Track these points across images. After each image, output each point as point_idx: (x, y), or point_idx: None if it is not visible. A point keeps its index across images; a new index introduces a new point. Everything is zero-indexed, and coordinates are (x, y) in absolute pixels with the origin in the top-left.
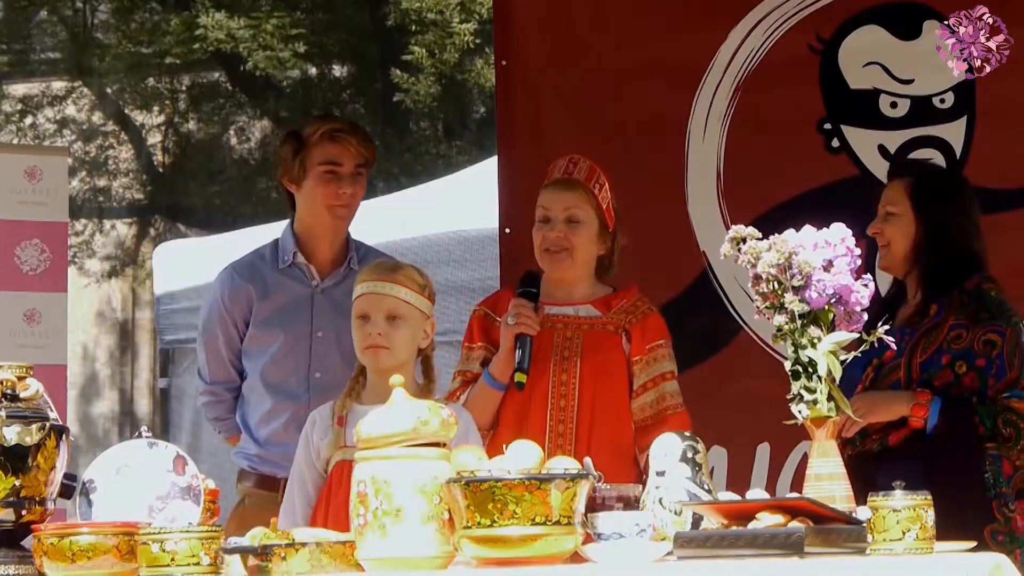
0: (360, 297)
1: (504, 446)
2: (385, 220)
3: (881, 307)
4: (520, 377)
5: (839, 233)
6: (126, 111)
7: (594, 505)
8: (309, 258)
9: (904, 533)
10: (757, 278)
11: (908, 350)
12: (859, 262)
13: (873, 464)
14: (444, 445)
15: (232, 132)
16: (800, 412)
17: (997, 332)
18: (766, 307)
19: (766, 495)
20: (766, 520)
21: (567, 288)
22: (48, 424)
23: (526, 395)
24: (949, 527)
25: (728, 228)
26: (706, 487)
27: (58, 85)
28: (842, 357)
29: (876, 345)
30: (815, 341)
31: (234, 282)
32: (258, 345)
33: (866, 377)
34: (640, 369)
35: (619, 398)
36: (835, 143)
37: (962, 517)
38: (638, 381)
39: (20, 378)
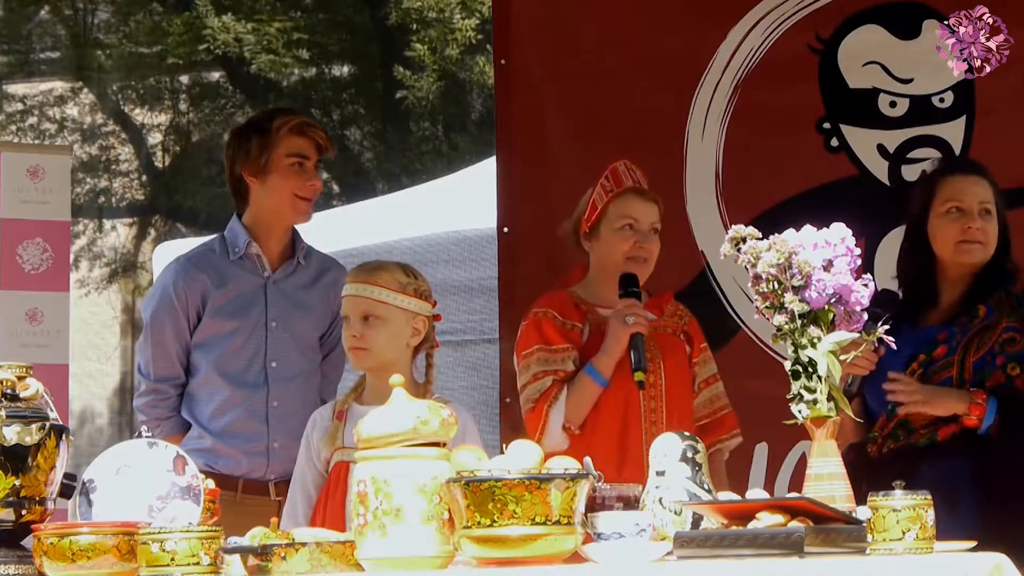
0: (342, 299)
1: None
2: (385, 220)
3: (902, 307)
4: (640, 376)
5: (839, 233)
6: (127, 111)
7: (594, 505)
8: (260, 249)
9: (904, 533)
10: (757, 278)
11: (961, 349)
12: (859, 262)
13: (919, 458)
14: (444, 445)
15: None
16: (800, 412)
17: None
18: (766, 307)
19: (766, 495)
20: (766, 520)
21: None
22: (48, 424)
23: (619, 399)
24: (996, 526)
25: (727, 228)
26: (706, 487)
27: (59, 85)
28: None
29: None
30: (815, 341)
31: (188, 272)
32: (212, 335)
33: (911, 372)
34: (699, 369)
35: (691, 398)
36: (834, 142)
37: (1010, 518)
38: (696, 381)
39: (20, 378)
